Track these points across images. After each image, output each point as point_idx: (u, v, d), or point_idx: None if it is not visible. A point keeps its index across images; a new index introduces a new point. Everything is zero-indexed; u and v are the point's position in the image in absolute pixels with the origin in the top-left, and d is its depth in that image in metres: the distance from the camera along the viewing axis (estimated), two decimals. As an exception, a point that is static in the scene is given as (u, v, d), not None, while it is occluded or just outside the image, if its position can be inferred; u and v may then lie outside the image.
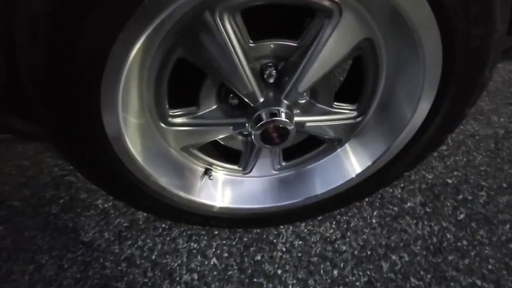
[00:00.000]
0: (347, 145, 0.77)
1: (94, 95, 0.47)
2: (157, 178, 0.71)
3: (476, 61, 0.52)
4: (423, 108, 0.60)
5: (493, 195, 1.07)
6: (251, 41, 0.56)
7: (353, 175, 0.76)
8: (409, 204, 1.04)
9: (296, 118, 0.68)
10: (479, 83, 0.55)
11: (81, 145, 0.57)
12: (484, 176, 1.13)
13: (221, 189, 0.83)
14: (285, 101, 0.64)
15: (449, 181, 1.11)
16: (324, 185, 0.79)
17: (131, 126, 0.61)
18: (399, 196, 1.06)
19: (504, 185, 1.10)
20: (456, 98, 0.57)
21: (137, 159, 0.65)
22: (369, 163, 0.73)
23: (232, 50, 0.53)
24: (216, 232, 0.95)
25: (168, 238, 0.95)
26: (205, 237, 0.94)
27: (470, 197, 1.06)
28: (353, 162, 0.76)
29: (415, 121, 0.64)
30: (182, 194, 0.76)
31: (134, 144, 0.62)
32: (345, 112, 0.73)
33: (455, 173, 1.13)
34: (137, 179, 0.68)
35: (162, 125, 0.67)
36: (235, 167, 0.84)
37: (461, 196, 1.07)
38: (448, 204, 1.04)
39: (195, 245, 0.93)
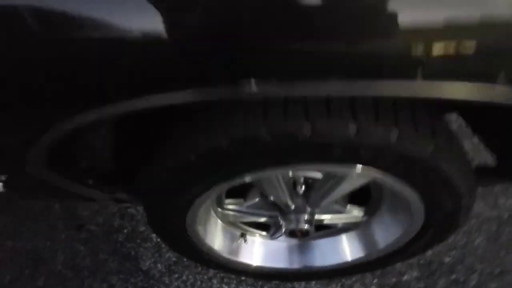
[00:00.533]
0: (346, 235, 0.98)
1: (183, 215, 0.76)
2: (209, 243, 0.97)
3: (449, 213, 0.74)
4: (412, 230, 0.82)
5: (484, 280, 1.22)
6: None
7: (348, 259, 0.97)
8: (406, 277, 1.22)
9: (316, 217, 0.91)
10: (454, 223, 0.77)
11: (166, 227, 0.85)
12: (479, 259, 1.26)
13: (257, 249, 1.07)
14: (309, 208, 0.87)
15: (446, 260, 1.26)
16: (322, 260, 1.01)
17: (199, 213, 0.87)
18: (399, 267, 1.24)
19: (496, 271, 1.24)
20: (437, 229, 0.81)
21: (199, 233, 0.91)
22: (361, 254, 0.94)
23: (279, 187, 0.78)
24: (243, 278, 1.20)
25: (205, 277, 1.20)
26: (234, 281, 1.19)
27: (462, 279, 1.22)
28: (347, 250, 0.97)
29: (407, 234, 0.86)
30: (224, 254, 1.01)
31: (200, 225, 0.88)
32: (354, 212, 0.95)
33: (453, 252, 1.28)
34: (195, 244, 0.95)
35: (219, 209, 0.93)
36: (266, 233, 1.08)
37: (454, 276, 1.22)
38: (441, 283, 1.21)
39: (226, 287, 1.18)
